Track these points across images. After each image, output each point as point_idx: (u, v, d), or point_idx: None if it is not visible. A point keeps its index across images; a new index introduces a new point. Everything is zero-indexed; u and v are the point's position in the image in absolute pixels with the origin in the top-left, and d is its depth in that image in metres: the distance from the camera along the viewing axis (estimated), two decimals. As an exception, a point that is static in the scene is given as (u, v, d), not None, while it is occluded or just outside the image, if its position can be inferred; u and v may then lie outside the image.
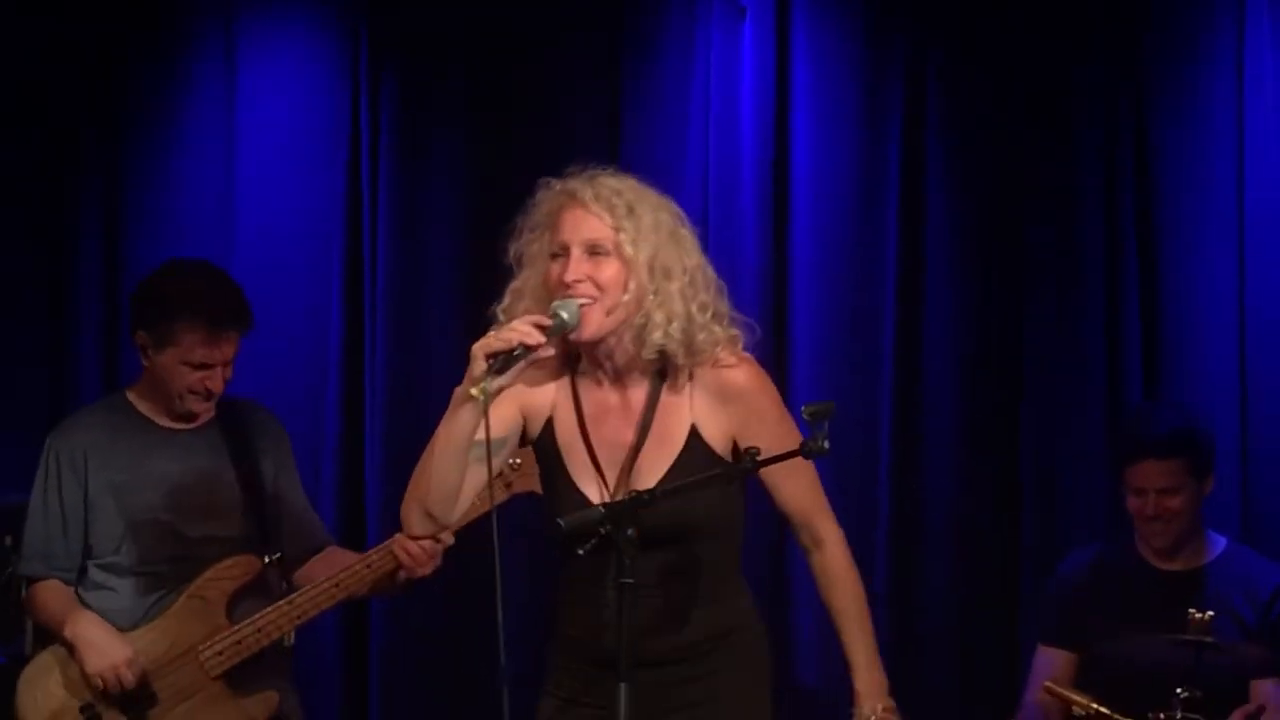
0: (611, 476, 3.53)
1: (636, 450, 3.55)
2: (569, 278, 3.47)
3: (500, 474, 4.22)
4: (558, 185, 3.54)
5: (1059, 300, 5.43)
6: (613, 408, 3.59)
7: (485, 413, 3.39)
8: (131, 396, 4.66)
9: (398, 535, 4.44)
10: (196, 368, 4.54)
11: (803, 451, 3.34)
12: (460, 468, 3.51)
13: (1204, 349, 5.34)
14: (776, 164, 5.54)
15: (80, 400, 5.47)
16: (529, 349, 3.39)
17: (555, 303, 3.44)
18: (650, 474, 3.51)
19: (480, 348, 3.38)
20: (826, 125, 5.55)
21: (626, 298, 3.49)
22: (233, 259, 5.57)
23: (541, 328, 3.40)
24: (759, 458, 3.40)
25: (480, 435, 3.43)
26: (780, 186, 5.55)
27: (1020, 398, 5.44)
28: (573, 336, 3.47)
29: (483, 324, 3.49)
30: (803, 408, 3.35)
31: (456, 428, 3.47)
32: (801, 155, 5.55)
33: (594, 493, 3.53)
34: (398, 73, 5.74)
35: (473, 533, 4.16)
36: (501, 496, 4.33)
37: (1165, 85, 5.37)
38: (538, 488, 4.30)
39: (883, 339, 5.49)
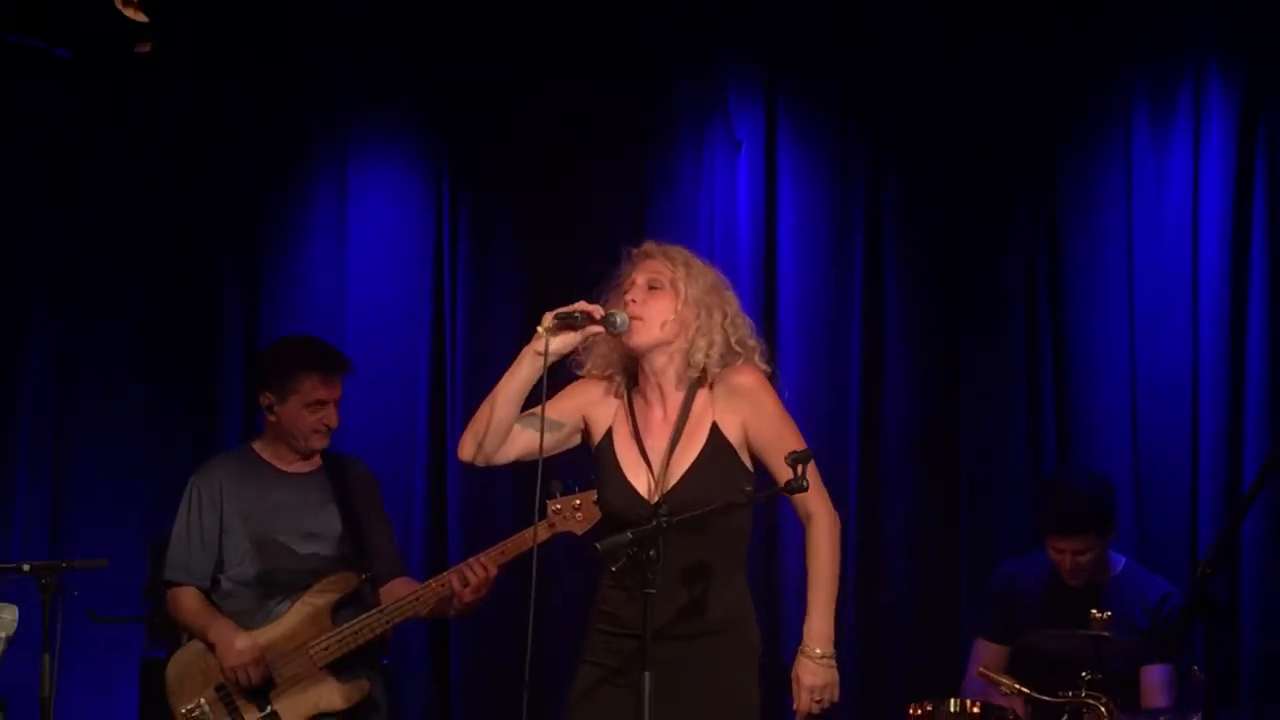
0: (656, 469, 3.92)
1: (672, 449, 3.93)
2: (627, 296, 3.93)
3: (545, 517, 4.58)
4: (634, 250, 4.02)
5: (991, 361, 5.72)
6: (657, 418, 3.98)
7: (545, 345, 3.83)
8: (256, 446, 5.04)
9: (461, 565, 4.75)
10: (316, 408, 4.86)
11: (785, 489, 3.72)
12: (514, 409, 3.91)
13: (1104, 400, 5.64)
14: (766, 263, 5.94)
15: (223, 447, 5.82)
16: (587, 316, 3.84)
17: (613, 310, 3.93)
18: (680, 466, 3.90)
19: (549, 314, 3.90)
20: (805, 232, 5.91)
21: (673, 318, 3.90)
22: (345, 338, 5.98)
23: (601, 315, 3.88)
24: (752, 492, 3.85)
25: (548, 414, 3.88)
26: (769, 280, 5.92)
27: (959, 441, 5.72)
28: (628, 342, 3.88)
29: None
30: (784, 456, 3.75)
31: (516, 376, 3.92)
32: (786, 257, 5.91)
33: (642, 484, 3.92)
34: (470, 192, 6.20)
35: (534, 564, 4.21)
36: (545, 535, 4.58)
37: (1072, 198, 5.67)
38: (576, 529, 4.68)
39: (850, 390, 5.79)
